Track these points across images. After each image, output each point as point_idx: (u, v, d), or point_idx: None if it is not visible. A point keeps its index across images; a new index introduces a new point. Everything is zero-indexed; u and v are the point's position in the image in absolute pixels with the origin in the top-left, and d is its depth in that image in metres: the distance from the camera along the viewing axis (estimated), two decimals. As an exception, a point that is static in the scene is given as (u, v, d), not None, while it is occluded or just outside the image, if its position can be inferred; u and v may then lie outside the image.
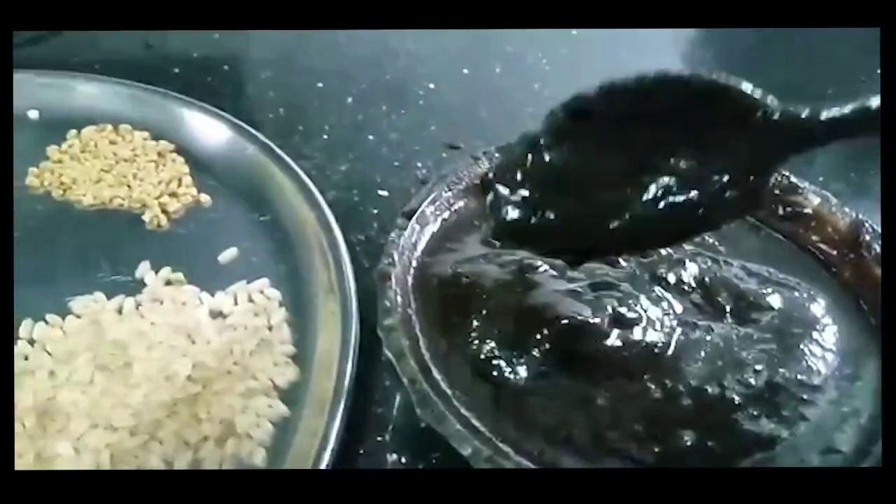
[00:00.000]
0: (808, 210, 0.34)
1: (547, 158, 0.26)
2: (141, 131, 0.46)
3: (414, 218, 0.31)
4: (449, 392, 0.25)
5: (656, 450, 0.24)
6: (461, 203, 0.33)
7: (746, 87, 0.24)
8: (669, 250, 0.30)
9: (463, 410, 0.25)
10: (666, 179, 0.24)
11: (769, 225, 0.34)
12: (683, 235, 0.27)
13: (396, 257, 0.29)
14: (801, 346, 0.28)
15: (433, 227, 0.32)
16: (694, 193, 0.24)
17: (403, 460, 0.31)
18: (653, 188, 0.24)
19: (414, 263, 0.30)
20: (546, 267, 0.29)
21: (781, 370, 0.27)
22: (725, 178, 0.24)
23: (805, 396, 0.26)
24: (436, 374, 0.26)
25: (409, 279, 0.29)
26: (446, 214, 0.33)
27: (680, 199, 0.24)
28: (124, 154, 0.44)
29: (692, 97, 0.24)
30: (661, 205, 0.24)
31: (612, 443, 0.24)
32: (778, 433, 0.25)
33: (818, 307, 0.30)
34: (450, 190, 0.33)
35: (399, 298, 0.28)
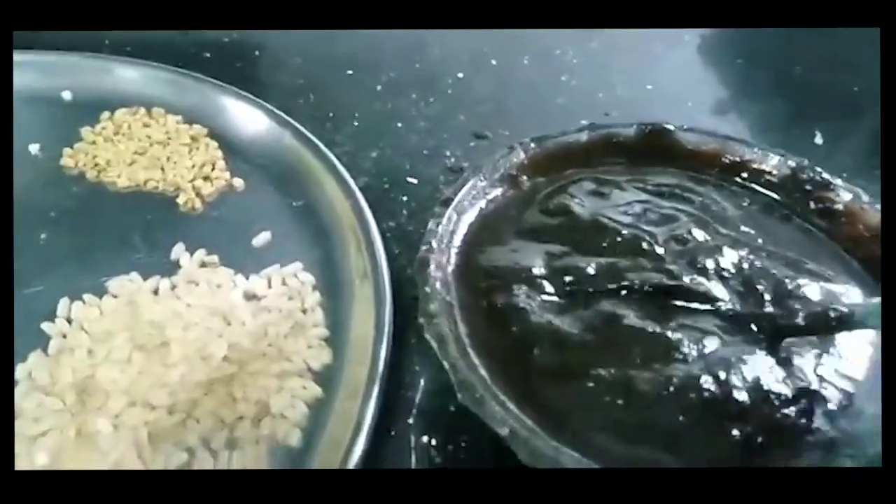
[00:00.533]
0: (839, 206, 0.34)
1: None
2: (174, 115, 0.46)
3: (451, 206, 0.31)
4: (487, 377, 0.26)
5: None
6: (497, 192, 0.34)
7: None
8: (707, 238, 0.31)
9: (501, 395, 0.25)
10: None
11: (802, 219, 0.34)
12: None
13: (435, 245, 0.29)
14: (835, 343, 0.28)
15: (470, 216, 0.32)
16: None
17: (434, 442, 0.31)
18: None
19: (453, 251, 0.30)
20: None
21: (819, 371, 0.27)
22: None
23: (839, 397, 0.26)
24: (475, 358, 0.26)
25: (449, 267, 0.29)
26: (483, 203, 0.33)
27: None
28: (158, 137, 0.45)
29: None
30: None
31: (654, 431, 0.25)
32: (824, 427, 0.25)
33: (849, 301, 0.30)
34: (486, 179, 0.33)
35: (438, 285, 0.28)
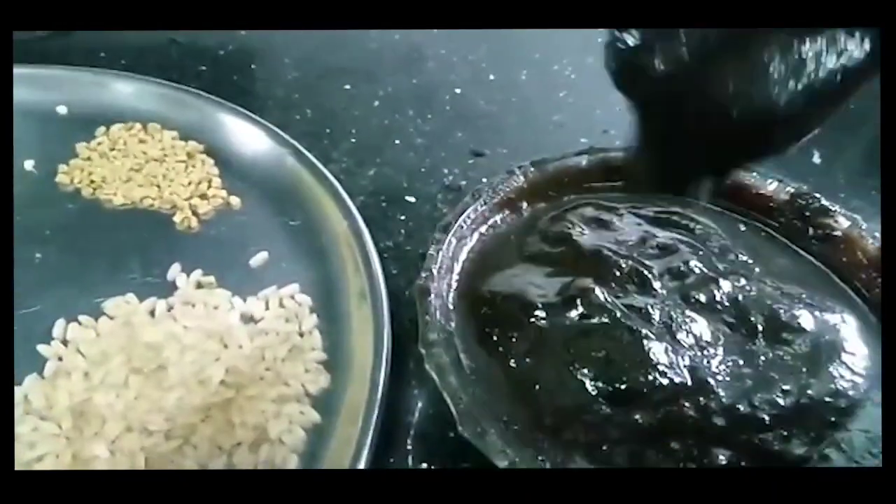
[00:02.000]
0: (838, 233, 0.34)
1: None
2: (170, 130, 0.46)
3: (451, 232, 0.31)
4: (489, 409, 0.26)
5: (692, 467, 0.24)
6: (497, 217, 0.34)
7: None
8: (704, 270, 0.31)
9: (502, 427, 0.25)
10: None
11: (800, 246, 0.34)
12: None
13: (435, 272, 0.29)
14: (831, 369, 0.29)
15: (470, 242, 0.32)
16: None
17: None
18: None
19: (454, 278, 0.30)
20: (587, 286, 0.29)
21: (810, 392, 0.27)
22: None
23: (833, 419, 0.27)
24: (476, 390, 0.26)
25: (450, 294, 0.29)
26: (483, 228, 0.33)
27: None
28: (154, 154, 0.45)
29: None
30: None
31: (649, 462, 0.25)
32: (809, 454, 0.26)
33: (848, 329, 0.31)
34: (485, 204, 0.33)
35: (438, 314, 0.28)
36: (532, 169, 0.35)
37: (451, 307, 0.29)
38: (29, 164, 0.44)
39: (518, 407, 0.26)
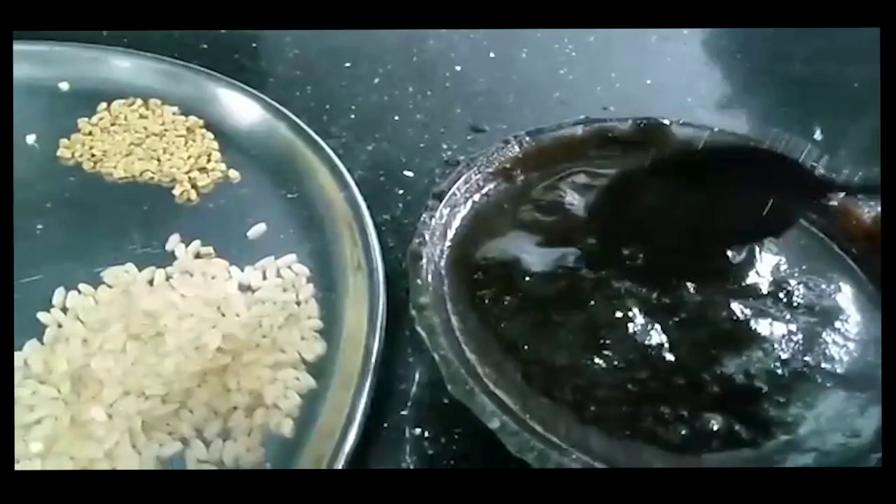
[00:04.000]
0: (834, 203, 0.34)
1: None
2: (170, 106, 0.46)
3: (444, 200, 0.31)
4: (479, 369, 0.26)
5: (683, 432, 0.25)
6: (491, 186, 0.34)
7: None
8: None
9: (492, 387, 0.25)
10: None
11: (797, 218, 0.34)
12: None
13: (428, 237, 0.30)
14: (825, 335, 0.29)
15: (463, 210, 0.32)
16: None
17: (426, 434, 0.32)
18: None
19: (446, 244, 0.30)
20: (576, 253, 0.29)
21: (806, 358, 0.27)
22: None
23: (829, 384, 0.27)
24: (467, 351, 0.26)
25: (441, 260, 0.30)
26: (476, 197, 0.33)
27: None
28: (154, 128, 0.45)
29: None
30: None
31: (639, 423, 0.25)
32: (802, 419, 0.26)
33: (843, 297, 0.31)
34: (480, 172, 0.33)
35: (430, 278, 0.28)
36: (528, 139, 0.35)
37: (442, 272, 0.29)
38: (31, 139, 0.44)
39: (507, 367, 0.26)
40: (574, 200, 0.32)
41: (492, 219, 0.32)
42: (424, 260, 0.29)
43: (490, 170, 0.34)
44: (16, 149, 0.43)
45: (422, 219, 0.30)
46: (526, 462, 0.23)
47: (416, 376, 0.34)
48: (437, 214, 0.31)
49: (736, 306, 0.28)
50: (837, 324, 0.29)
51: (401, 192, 0.43)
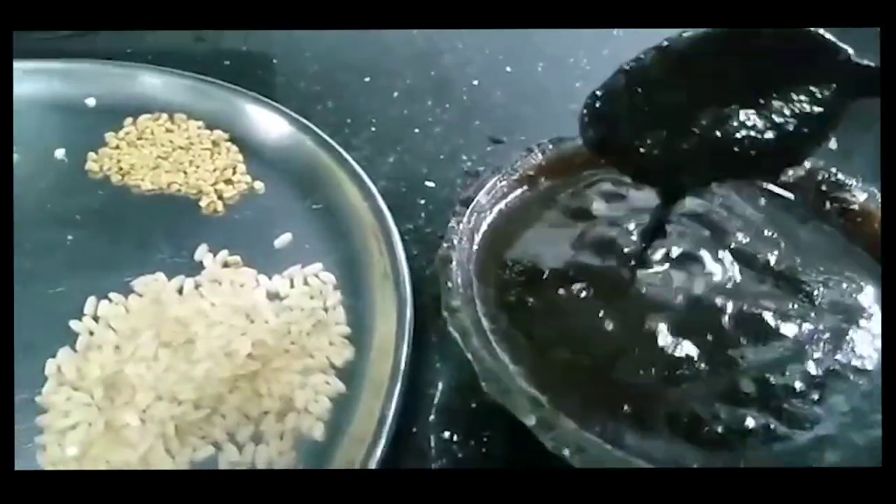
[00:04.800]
0: (855, 206, 0.35)
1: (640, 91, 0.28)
2: (195, 120, 0.47)
3: (471, 206, 0.32)
4: (511, 368, 0.26)
5: (719, 430, 0.25)
6: (516, 192, 0.34)
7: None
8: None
9: (525, 385, 0.26)
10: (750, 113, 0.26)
11: (820, 219, 0.34)
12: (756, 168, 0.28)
13: (456, 242, 0.30)
14: (852, 333, 0.29)
15: (490, 215, 0.33)
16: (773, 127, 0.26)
17: (455, 438, 0.32)
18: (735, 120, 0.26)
19: (474, 248, 0.31)
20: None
21: (837, 357, 0.27)
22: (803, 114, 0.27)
23: (860, 381, 0.27)
24: (498, 351, 0.27)
25: (470, 264, 0.30)
26: (502, 203, 0.34)
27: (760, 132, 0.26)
28: (180, 142, 0.46)
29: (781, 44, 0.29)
30: (742, 134, 0.26)
31: (675, 420, 0.25)
32: (835, 415, 0.26)
33: (866, 297, 0.31)
34: (505, 179, 0.34)
35: (460, 281, 0.29)
36: (550, 147, 0.35)
37: (471, 275, 0.30)
38: (60, 153, 0.45)
39: (538, 367, 0.27)
40: (601, 207, 0.33)
41: (518, 223, 0.33)
42: (454, 264, 0.29)
43: (515, 177, 0.34)
44: (45, 163, 0.45)
45: (450, 224, 0.31)
46: (556, 462, 0.24)
47: (443, 382, 0.34)
48: (465, 220, 0.31)
49: (766, 311, 0.29)
50: (863, 322, 0.29)
51: (423, 202, 0.44)
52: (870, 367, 0.27)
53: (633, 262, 0.30)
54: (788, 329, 0.28)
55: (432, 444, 0.32)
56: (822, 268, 0.31)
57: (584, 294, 0.29)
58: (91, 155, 0.45)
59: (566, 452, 0.23)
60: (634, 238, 0.31)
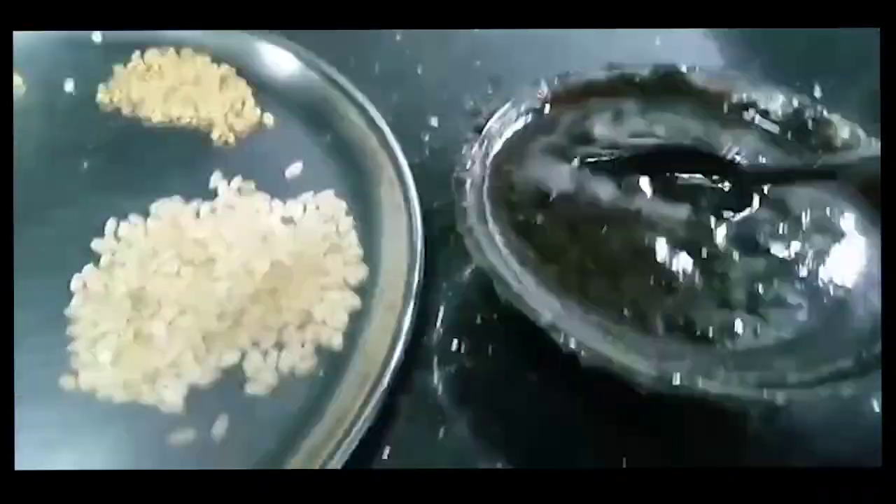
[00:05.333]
0: (838, 141, 0.37)
1: None
2: (202, 55, 0.48)
3: (483, 133, 0.34)
4: (523, 278, 0.28)
5: (710, 333, 0.27)
6: (524, 120, 0.36)
7: None
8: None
9: (535, 290, 0.28)
10: None
11: (805, 155, 0.37)
12: None
13: (469, 166, 0.32)
14: (833, 253, 0.31)
15: (499, 141, 0.35)
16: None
17: (463, 349, 0.34)
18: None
19: (486, 172, 0.33)
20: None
21: (819, 272, 0.30)
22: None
23: (838, 294, 0.29)
24: (511, 262, 0.29)
25: (484, 185, 0.32)
26: (509, 130, 0.35)
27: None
28: (188, 76, 0.46)
29: None
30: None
31: (672, 323, 0.27)
32: (813, 319, 0.28)
33: (847, 221, 0.33)
34: (513, 108, 0.36)
35: (473, 201, 0.31)
36: (556, 80, 0.37)
37: (484, 197, 0.32)
38: (68, 86, 0.46)
39: (547, 276, 0.29)
40: (603, 132, 0.35)
41: (527, 148, 0.34)
42: (468, 186, 0.31)
43: (522, 107, 0.36)
44: (54, 95, 0.45)
45: (463, 150, 0.33)
46: (556, 363, 0.26)
47: (448, 302, 0.36)
48: (477, 146, 0.33)
49: (757, 231, 0.31)
50: (843, 242, 0.32)
51: (427, 139, 0.45)
52: (848, 284, 0.30)
53: (633, 184, 0.32)
54: (777, 247, 0.31)
55: (443, 355, 0.34)
56: (807, 194, 0.34)
57: (587, 212, 0.31)
58: (101, 87, 0.46)
59: (573, 346, 0.25)
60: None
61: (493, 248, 0.29)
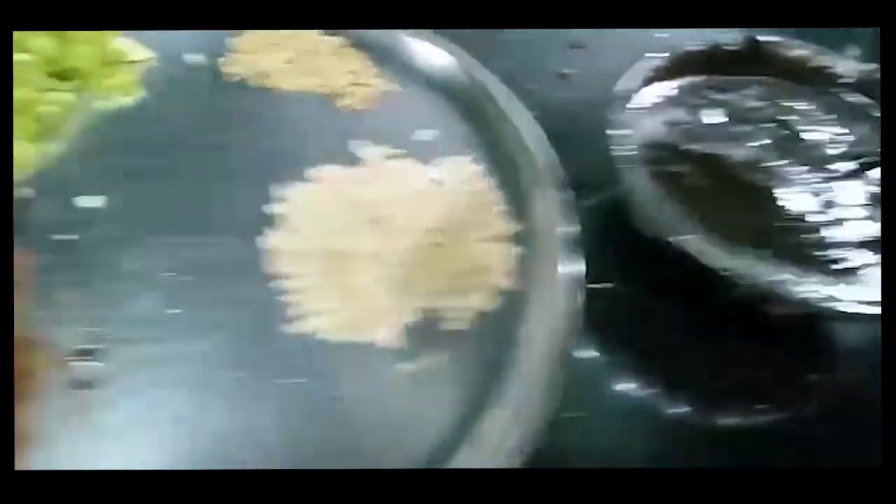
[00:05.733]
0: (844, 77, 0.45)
1: None
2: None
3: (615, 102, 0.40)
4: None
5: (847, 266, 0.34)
6: (644, 91, 0.42)
7: None
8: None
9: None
10: None
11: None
12: None
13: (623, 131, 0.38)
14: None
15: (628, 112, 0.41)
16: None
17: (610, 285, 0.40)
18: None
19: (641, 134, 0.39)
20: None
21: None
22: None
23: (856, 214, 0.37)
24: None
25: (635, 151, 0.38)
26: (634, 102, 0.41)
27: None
28: (305, 47, 0.50)
29: None
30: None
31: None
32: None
33: (857, 143, 0.41)
34: (632, 81, 0.42)
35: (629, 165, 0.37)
36: (665, 53, 0.43)
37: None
38: (195, 59, 0.48)
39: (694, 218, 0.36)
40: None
41: (651, 119, 0.41)
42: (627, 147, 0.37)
43: (641, 78, 0.42)
44: (184, 68, 0.48)
45: (607, 132, 0.38)
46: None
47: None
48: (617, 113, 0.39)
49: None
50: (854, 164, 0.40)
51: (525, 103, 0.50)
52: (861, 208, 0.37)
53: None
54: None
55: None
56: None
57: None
58: (221, 60, 0.49)
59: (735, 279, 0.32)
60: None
61: (658, 209, 0.35)
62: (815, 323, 0.35)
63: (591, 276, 0.40)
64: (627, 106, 0.40)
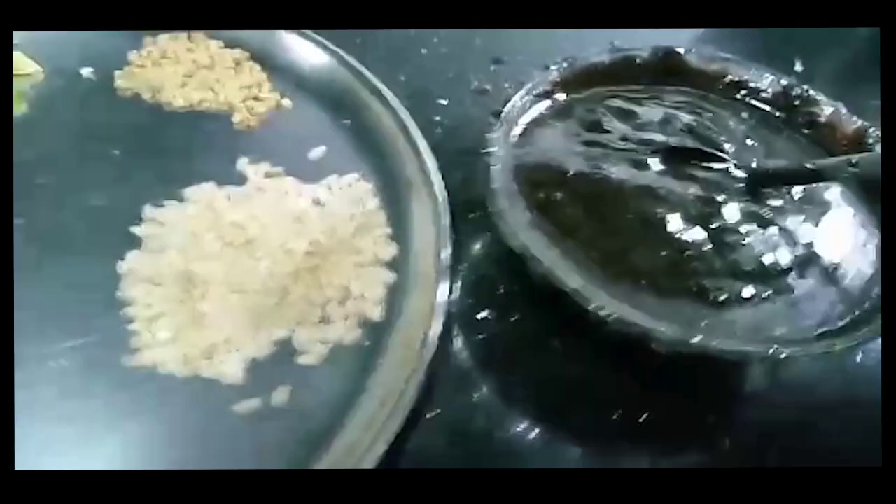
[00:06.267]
0: (822, 118, 0.41)
1: None
2: (214, 40, 0.49)
3: (502, 118, 0.37)
4: (549, 252, 0.32)
5: (721, 298, 0.31)
6: (538, 106, 0.39)
7: None
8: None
9: (561, 261, 0.31)
10: None
11: (792, 129, 0.40)
12: None
13: (494, 150, 0.35)
14: (823, 223, 0.35)
15: (518, 127, 0.37)
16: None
17: (489, 317, 0.37)
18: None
19: (509, 155, 0.36)
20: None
21: (812, 240, 0.34)
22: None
23: (830, 259, 0.33)
24: (538, 237, 0.32)
25: (506, 168, 0.35)
26: (525, 117, 0.38)
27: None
28: (203, 61, 0.48)
29: None
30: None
31: (686, 290, 0.31)
32: (809, 282, 0.32)
33: (832, 193, 0.37)
34: (527, 95, 0.38)
35: (503, 184, 0.34)
36: (565, 64, 0.40)
37: (509, 178, 0.35)
38: (86, 72, 0.47)
39: (569, 249, 0.32)
40: (611, 120, 0.38)
41: (543, 134, 0.37)
42: (497, 168, 0.34)
43: (535, 92, 0.39)
44: (72, 81, 0.46)
45: (486, 135, 0.35)
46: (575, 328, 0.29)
47: (475, 275, 0.39)
48: (498, 130, 0.36)
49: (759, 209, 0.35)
50: (831, 212, 0.36)
51: (437, 118, 0.48)
52: (837, 254, 0.34)
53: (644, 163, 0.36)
54: (778, 220, 0.34)
55: (473, 323, 0.37)
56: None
57: (603, 189, 0.34)
58: (118, 73, 0.47)
59: (602, 313, 0.29)
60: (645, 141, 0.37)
61: (521, 225, 0.32)
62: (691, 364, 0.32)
63: (464, 304, 0.37)
64: (511, 122, 0.37)
